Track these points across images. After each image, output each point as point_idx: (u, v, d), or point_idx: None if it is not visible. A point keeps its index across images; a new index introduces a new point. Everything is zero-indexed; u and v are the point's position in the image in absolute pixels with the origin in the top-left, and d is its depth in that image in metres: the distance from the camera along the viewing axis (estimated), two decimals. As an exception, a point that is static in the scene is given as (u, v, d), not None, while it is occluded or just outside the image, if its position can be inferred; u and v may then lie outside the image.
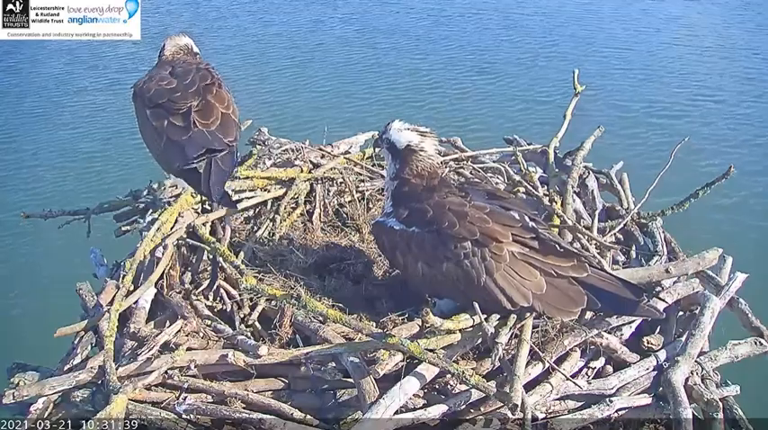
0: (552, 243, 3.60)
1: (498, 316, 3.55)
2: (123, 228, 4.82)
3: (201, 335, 3.63)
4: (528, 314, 3.53)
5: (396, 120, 3.82)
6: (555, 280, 3.49)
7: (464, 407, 3.38)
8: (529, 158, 5.54)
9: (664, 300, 3.84)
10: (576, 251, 3.72)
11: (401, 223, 3.68)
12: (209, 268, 4.15)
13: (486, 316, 3.48)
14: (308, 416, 3.34)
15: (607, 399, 3.63)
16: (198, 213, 4.46)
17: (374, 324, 3.55)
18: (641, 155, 9.96)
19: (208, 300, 3.90)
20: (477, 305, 3.45)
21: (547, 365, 3.50)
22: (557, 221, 4.49)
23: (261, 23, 18.51)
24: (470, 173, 5.28)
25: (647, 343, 3.86)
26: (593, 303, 3.50)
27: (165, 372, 3.36)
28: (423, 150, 3.76)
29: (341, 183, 5.03)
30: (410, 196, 3.74)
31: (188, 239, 4.25)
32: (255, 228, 4.66)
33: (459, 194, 3.74)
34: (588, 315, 3.74)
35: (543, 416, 3.52)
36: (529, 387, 3.43)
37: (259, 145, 5.48)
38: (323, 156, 5.27)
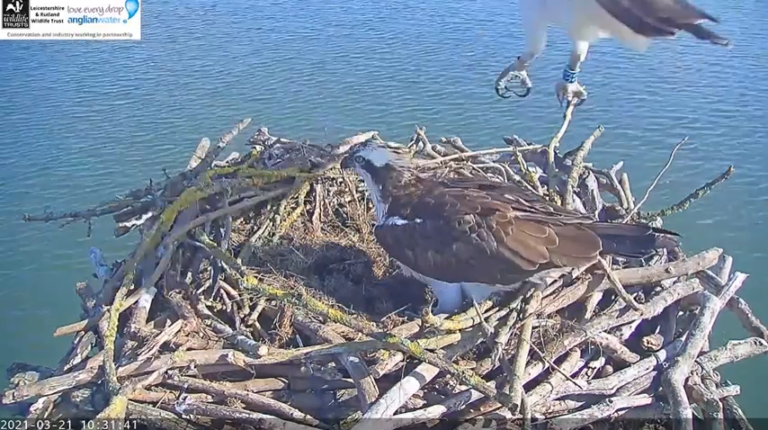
0: (552, 209, 3.67)
1: (498, 316, 3.56)
2: (123, 227, 4.82)
3: (201, 335, 3.63)
4: (548, 273, 3.55)
5: (368, 140, 3.86)
6: (565, 229, 3.50)
7: (464, 407, 3.38)
8: (529, 158, 5.53)
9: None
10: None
11: (403, 219, 3.70)
12: (209, 268, 4.16)
13: (493, 308, 3.50)
14: (308, 416, 3.33)
15: (607, 399, 3.62)
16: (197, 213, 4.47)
17: (374, 324, 3.55)
18: (641, 155, 9.97)
19: (208, 300, 3.90)
20: (476, 305, 3.46)
21: (547, 365, 3.50)
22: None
23: (262, 23, 18.52)
24: (470, 173, 5.28)
25: (647, 343, 3.85)
26: (609, 244, 3.50)
27: (165, 372, 3.36)
28: (401, 166, 3.79)
29: (341, 183, 5.03)
30: (407, 204, 3.75)
31: (188, 239, 4.26)
32: (255, 228, 4.65)
33: (455, 187, 3.79)
34: (588, 314, 3.75)
35: (543, 416, 3.52)
36: (529, 387, 3.43)
37: (259, 145, 5.49)
38: (323, 156, 5.27)
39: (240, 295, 3.83)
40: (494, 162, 5.51)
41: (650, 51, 15.57)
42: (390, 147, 3.80)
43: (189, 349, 3.48)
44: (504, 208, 3.53)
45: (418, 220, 3.63)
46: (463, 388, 3.36)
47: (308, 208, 4.89)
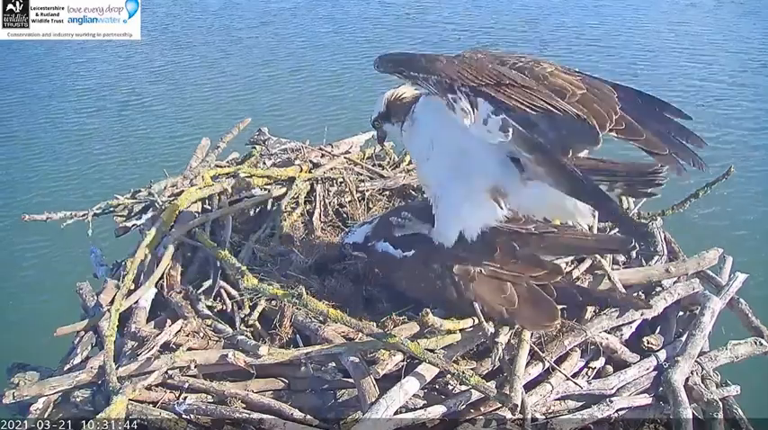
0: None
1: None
2: (123, 227, 4.82)
3: (201, 335, 3.63)
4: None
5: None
6: (528, 290, 3.56)
7: (464, 407, 3.38)
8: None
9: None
10: None
11: (391, 246, 3.83)
12: (209, 268, 4.16)
13: None
14: (308, 416, 3.33)
15: (607, 399, 3.62)
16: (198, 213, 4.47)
17: (374, 324, 3.55)
18: (641, 155, 9.96)
19: (208, 300, 3.90)
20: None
21: (547, 365, 3.50)
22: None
23: (262, 24, 18.52)
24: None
25: (647, 343, 3.86)
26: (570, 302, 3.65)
27: (165, 372, 3.37)
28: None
29: (341, 183, 5.03)
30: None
31: (188, 239, 4.26)
32: (255, 228, 4.65)
33: None
34: (588, 314, 3.75)
35: (543, 416, 3.52)
36: (529, 387, 3.43)
37: (259, 145, 5.49)
38: (323, 156, 5.27)
39: (240, 295, 3.83)
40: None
41: (651, 51, 15.58)
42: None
43: (189, 349, 3.48)
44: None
45: (402, 253, 3.79)
46: (463, 388, 3.36)
47: (307, 208, 4.89)
